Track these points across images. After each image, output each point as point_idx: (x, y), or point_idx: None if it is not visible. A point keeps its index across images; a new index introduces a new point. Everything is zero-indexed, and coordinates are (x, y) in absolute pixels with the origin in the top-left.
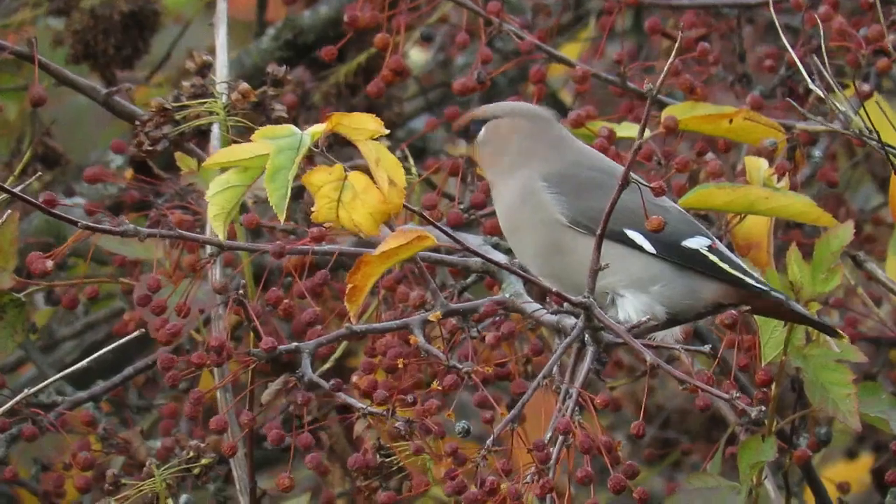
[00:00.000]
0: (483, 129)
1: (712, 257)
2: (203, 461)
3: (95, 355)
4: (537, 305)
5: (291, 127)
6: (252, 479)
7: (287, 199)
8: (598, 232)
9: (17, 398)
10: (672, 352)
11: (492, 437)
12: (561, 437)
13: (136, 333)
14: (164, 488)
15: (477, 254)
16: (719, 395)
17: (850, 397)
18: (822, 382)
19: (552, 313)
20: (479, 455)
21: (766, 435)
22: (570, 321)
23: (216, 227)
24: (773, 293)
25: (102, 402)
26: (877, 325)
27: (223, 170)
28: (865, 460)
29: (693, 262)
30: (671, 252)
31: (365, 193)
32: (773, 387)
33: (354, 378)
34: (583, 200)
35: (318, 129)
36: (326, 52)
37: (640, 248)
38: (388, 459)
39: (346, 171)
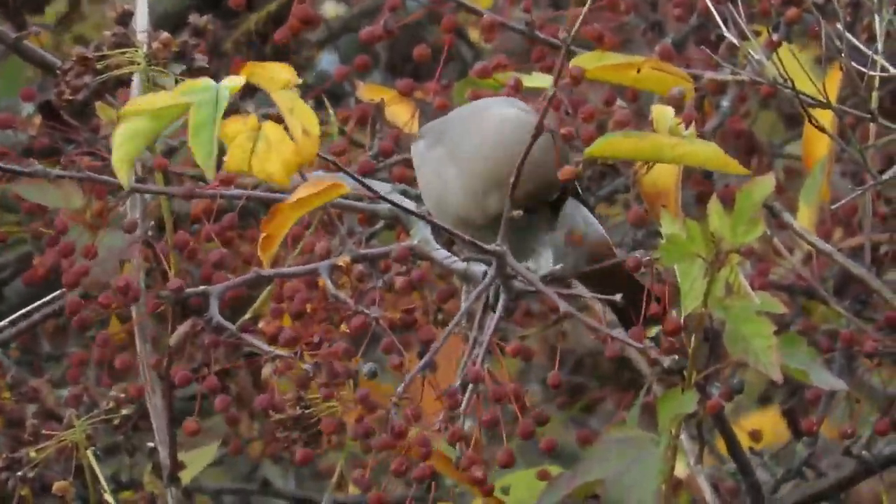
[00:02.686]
0: None
1: None
2: (123, 412)
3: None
4: (446, 252)
5: (209, 81)
6: (171, 428)
7: (214, 156)
8: (511, 181)
9: None
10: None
11: (402, 384)
12: (471, 386)
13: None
14: (85, 439)
15: (387, 200)
16: (631, 343)
17: (771, 349)
18: (744, 334)
19: (463, 260)
20: (391, 402)
21: (685, 387)
22: (479, 268)
23: (120, 173)
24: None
25: (11, 350)
26: (788, 274)
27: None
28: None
29: None
30: None
31: (279, 144)
32: (693, 339)
33: (261, 324)
34: None
35: (236, 81)
36: (234, 1)
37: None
38: (306, 411)
39: (260, 121)
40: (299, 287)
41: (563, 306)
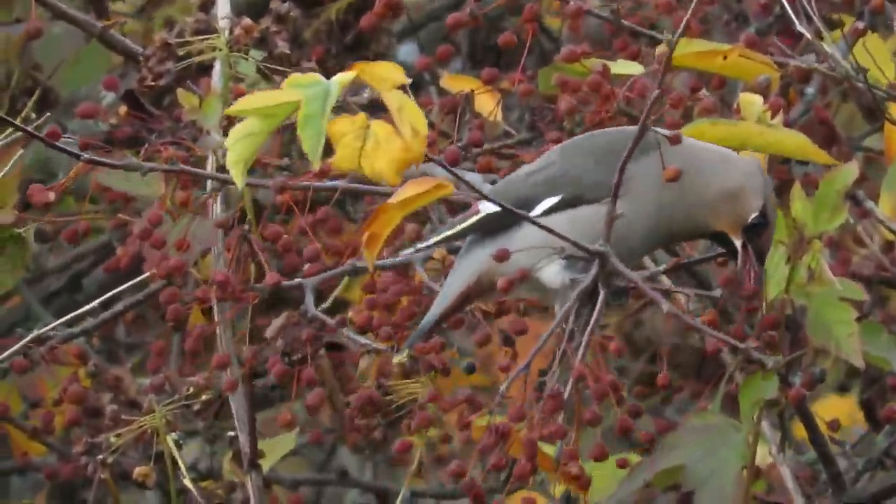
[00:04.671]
0: None
1: None
2: (203, 397)
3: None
4: None
5: (318, 76)
6: (252, 416)
7: (321, 147)
8: (615, 181)
9: (24, 341)
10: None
11: (504, 385)
12: (572, 383)
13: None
14: (164, 424)
15: (489, 199)
16: (735, 344)
17: (852, 336)
18: (825, 321)
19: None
20: (494, 403)
21: (766, 373)
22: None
23: (235, 175)
24: None
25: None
26: (868, 264)
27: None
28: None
29: None
30: None
31: (387, 142)
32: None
33: (351, 314)
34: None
35: (346, 77)
36: None
37: None
38: (386, 397)
39: (368, 119)
40: (392, 279)
41: (667, 307)
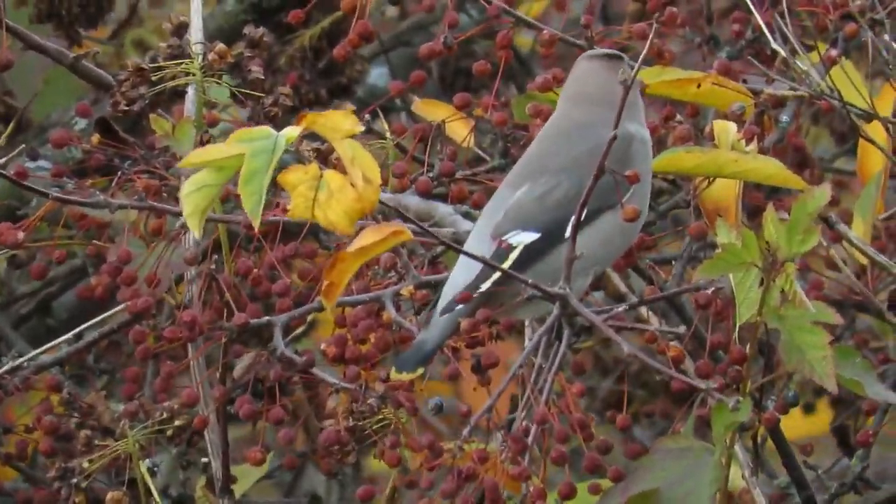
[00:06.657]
0: None
1: None
2: (176, 423)
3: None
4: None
5: (268, 129)
6: (225, 442)
7: (262, 205)
8: (573, 221)
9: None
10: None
11: (467, 430)
12: (535, 427)
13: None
14: (137, 449)
15: (449, 244)
16: (696, 384)
17: (826, 359)
18: (799, 344)
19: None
20: (456, 447)
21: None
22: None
23: (191, 226)
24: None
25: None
26: (840, 287)
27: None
28: (823, 415)
29: None
30: None
31: (340, 192)
32: (748, 348)
33: (323, 346)
34: None
35: (293, 132)
36: (294, 15)
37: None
38: (360, 423)
39: (321, 169)
40: (362, 314)
41: (627, 348)
